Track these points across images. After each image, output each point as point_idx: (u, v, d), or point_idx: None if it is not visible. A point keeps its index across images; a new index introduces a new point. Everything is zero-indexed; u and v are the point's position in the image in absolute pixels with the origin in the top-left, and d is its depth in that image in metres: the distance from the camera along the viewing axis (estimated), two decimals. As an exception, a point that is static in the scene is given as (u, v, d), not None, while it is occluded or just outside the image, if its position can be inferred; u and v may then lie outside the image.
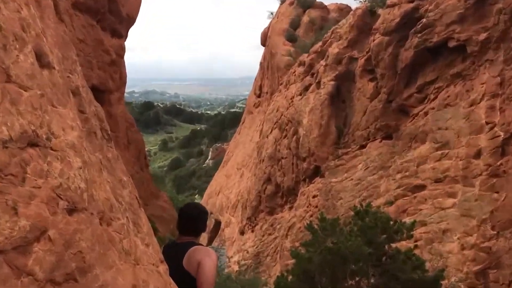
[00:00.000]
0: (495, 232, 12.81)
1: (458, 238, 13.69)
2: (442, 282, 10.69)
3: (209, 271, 4.11)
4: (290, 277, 9.94)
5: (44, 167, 1.54)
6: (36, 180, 1.49)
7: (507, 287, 11.68)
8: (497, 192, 13.30)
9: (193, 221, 4.34)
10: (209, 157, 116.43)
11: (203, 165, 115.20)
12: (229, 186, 34.72)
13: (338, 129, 21.78)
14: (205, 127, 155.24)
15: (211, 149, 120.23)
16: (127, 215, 2.15)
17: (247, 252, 24.86)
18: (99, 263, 1.69)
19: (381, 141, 19.26)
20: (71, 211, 1.60)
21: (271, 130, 27.12)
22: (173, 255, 3.79)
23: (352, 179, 19.54)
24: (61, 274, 1.52)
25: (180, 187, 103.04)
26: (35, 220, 1.45)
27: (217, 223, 33.12)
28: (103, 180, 1.94)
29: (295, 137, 23.89)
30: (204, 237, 40.23)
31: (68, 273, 1.55)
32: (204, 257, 4.16)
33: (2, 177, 1.39)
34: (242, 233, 27.99)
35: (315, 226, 10.46)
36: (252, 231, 26.75)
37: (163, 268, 2.49)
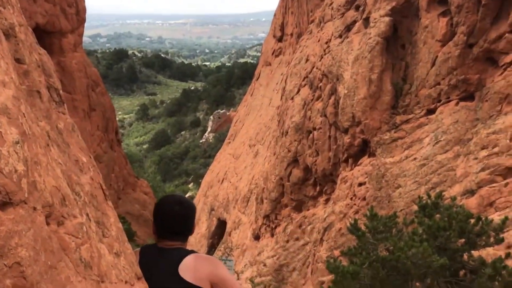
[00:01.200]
0: None
1: None
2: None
3: (236, 283, 4.30)
4: (327, 301, 9.98)
5: (-38, 141, 1.53)
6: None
7: None
8: None
9: (177, 221, 4.37)
10: (209, 129, 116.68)
11: (200, 141, 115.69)
12: (238, 170, 34.79)
13: (395, 87, 21.66)
14: (202, 85, 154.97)
15: (211, 117, 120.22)
16: (88, 211, 2.13)
17: (265, 265, 24.96)
18: (46, 280, 1.69)
19: (457, 104, 19.11)
20: (3, 205, 1.59)
21: (298, 89, 27.05)
22: (158, 263, 3.84)
23: (415, 159, 19.46)
24: (-13, 302, 1.52)
25: (168, 173, 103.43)
26: None
27: (221, 224, 33.31)
28: (52, 161, 1.92)
29: (332, 98, 23.80)
30: (200, 244, 40.23)
31: (-1, 300, 1.55)
32: (219, 268, 4.28)
33: None
34: (257, 238, 28.11)
35: (362, 227, 10.45)
36: (272, 235, 26.83)
37: (141, 287, 2.49)
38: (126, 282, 2.30)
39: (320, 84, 24.87)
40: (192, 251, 4.29)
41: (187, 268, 4.09)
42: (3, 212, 1.60)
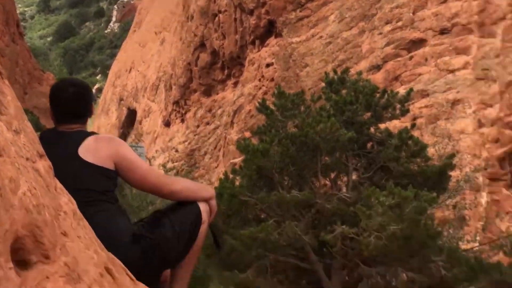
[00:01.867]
0: (525, 100, 13.18)
1: (473, 112, 14.03)
2: (452, 173, 11.02)
3: (143, 161, 4.29)
4: (238, 180, 10.07)
5: None
6: None
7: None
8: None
9: (73, 102, 4.31)
10: (114, 19, 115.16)
11: (106, 31, 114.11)
12: (145, 58, 34.48)
13: (298, -34, 21.58)
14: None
15: (115, 7, 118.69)
16: None
17: (177, 151, 25.08)
18: None
19: (361, -20, 19.21)
20: None
21: (201, -27, 26.72)
22: (58, 147, 3.80)
23: (321, 37, 19.55)
24: None
25: (74, 65, 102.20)
26: None
27: (131, 113, 33.15)
28: None
29: (236, -20, 23.62)
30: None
31: None
32: (122, 148, 4.26)
33: None
34: (167, 124, 28.12)
35: (271, 106, 10.51)
36: (182, 121, 26.87)
37: (44, 164, 2.43)
38: (27, 159, 2.24)
39: (223, -34, 24.57)
40: (93, 133, 4.25)
41: (87, 149, 4.05)
42: None
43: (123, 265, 2.83)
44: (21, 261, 1.95)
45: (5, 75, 2.92)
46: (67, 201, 2.51)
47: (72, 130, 4.20)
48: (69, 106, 4.21)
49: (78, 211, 2.54)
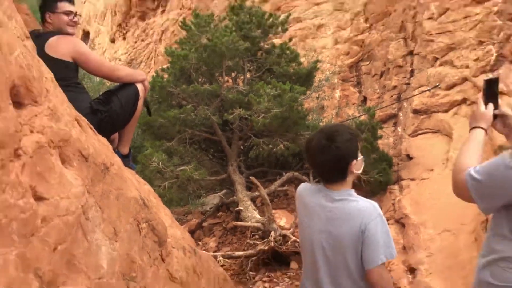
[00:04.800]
0: (368, 25, 13.32)
1: (332, 33, 14.15)
2: (316, 75, 11.20)
3: (96, 55, 4.25)
4: (166, 76, 10.01)
5: None
6: None
7: (378, 77, 12.32)
8: (370, -15, 13.68)
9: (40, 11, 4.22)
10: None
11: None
12: (95, -8, 33.18)
13: None
14: None
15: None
16: None
17: (120, 60, 24.51)
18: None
19: None
20: None
21: None
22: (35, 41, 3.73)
23: (226, -23, 19.24)
24: None
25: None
26: None
27: (86, 35, 32.05)
28: None
29: None
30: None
31: None
32: (78, 44, 4.20)
33: None
34: (113, 41, 27.37)
35: (190, 24, 10.41)
36: (124, 39, 26.20)
37: (29, 44, 2.40)
38: (18, 36, 2.20)
39: None
40: (56, 33, 4.16)
41: (51, 46, 3.98)
42: None
43: (88, 122, 2.85)
44: (17, 103, 1.96)
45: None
46: (48, 71, 2.50)
47: (45, 32, 4.14)
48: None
49: (54, 80, 2.53)
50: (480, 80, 9.56)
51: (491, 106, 2.67)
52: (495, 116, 2.67)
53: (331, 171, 2.76)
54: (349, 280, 2.74)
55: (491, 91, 2.69)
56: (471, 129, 2.68)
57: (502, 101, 2.73)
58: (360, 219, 2.68)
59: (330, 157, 2.71)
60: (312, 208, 2.73)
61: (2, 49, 1.86)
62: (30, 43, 2.49)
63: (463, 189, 2.48)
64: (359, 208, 2.72)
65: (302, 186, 2.89)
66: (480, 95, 2.76)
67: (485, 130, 2.62)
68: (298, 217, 2.81)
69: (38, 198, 1.81)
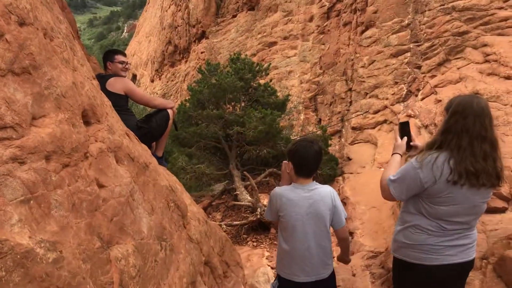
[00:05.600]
0: (322, 71, 13.37)
1: (298, 76, 14.20)
2: (288, 104, 11.23)
3: (140, 90, 4.26)
4: (187, 104, 9.99)
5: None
6: (-12, -3, 1.36)
7: (329, 106, 12.34)
8: (323, 44, 13.72)
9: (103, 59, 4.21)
10: (125, 31, 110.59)
11: (121, 37, 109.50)
12: (141, 49, 33.08)
13: (217, 4, 20.95)
14: (120, 8, 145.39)
15: (126, 25, 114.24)
16: (65, 41, 2.00)
17: (157, 94, 24.49)
18: (47, 64, 1.62)
19: (247, 12, 18.82)
20: (21, 24, 1.49)
21: (169, 6, 25.58)
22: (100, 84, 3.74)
23: (227, 40, 19.23)
24: (18, 67, 1.45)
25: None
26: (-8, 26, 1.35)
27: (134, 77, 32.01)
28: (44, 9, 1.79)
29: (186, 10, 22.76)
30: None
31: (23, 67, 1.48)
32: (128, 84, 4.18)
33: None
34: (152, 81, 27.33)
35: (204, 70, 10.39)
36: (160, 79, 26.17)
37: (95, 82, 2.39)
38: (88, 77, 2.19)
39: (180, 2, 23.65)
40: (114, 75, 4.15)
41: (110, 84, 3.96)
42: (21, 28, 1.51)
43: (134, 135, 2.83)
44: (86, 122, 1.94)
45: (77, 37, 2.80)
46: (107, 100, 2.49)
47: (107, 74, 4.12)
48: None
49: (112, 107, 2.52)
50: (396, 107, 9.62)
51: (405, 139, 2.75)
52: (410, 147, 2.75)
53: (315, 169, 2.79)
54: (327, 240, 2.77)
55: (404, 130, 2.79)
56: (392, 154, 2.74)
57: (413, 132, 2.84)
58: (329, 197, 2.73)
59: (319, 160, 2.77)
60: (296, 200, 2.73)
61: (77, 86, 1.85)
62: (95, 82, 2.48)
63: (387, 190, 2.51)
64: (326, 191, 2.76)
65: (278, 189, 2.84)
66: (397, 132, 2.85)
67: (401, 155, 2.69)
68: (280, 210, 2.77)
69: (100, 186, 1.80)
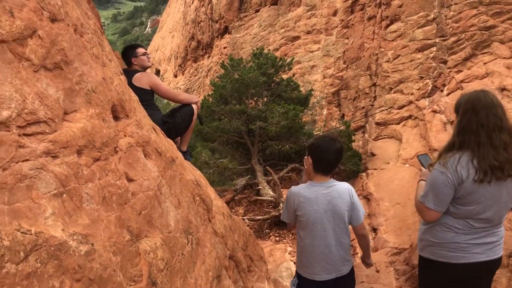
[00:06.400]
0: (345, 66, 13.24)
1: (321, 71, 14.09)
2: (311, 99, 11.16)
3: (165, 85, 4.29)
4: (210, 99, 10.03)
5: (27, -16, 1.42)
6: (23, -6, 1.39)
7: (352, 101, 12.24)
8: (347, 39, 13.57)
9: (124, 55, 4.22)
10: (148, 26, 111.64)
11: (144, 32, 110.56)
12: (164, 44, 33.32)
13: (240, -1, 21.06)
14: (143, 3, 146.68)
15: (149, 20, 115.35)
16: (94, 37, 2.02)
17: (180, 89, 24.65)
18: (77, 59, 1.64)
19: (269, 7, 18.75)
20: (53, 20, 1.51)
21: (192, 1, 25.68)
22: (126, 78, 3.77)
23: (250, 34, 19.21)
24: (50, 63, 1.47)
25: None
26: (27, 22, 1.37)
27: (157, 72, 32.29)
28: (74, 5, 1.81)
29: (209, 5, 22.82)
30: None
31: (55, 62, 1.50)
32: (153, 78, 4.22)
33: (-5, -14, 1.28)
34: (175, 76, 27.52)
35: (226, 65, 10.41)
36: (183, 74, 26.34)
37: (123, 78, 2.42)
38: (115, 73, 2.22)
39: (203, -2, 23.81)
40: (140, 71, 4.18)
41: (136, 79, 4.00)
42: (53, 24, 1.53)
43: (160, 129, 2.85)
44: (115, 117, 1.96)
45: (103, 32, 2.82)
46: (134, 95, 2.51)
47: (132, 69, 4.16)
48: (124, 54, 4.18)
49: (139, 101, 2.54)
50: (421, 102, 9.46)
51: (423, 169, 2.82)
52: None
53: (333, 167, 2.78)
54: (346, 237, 2.76)
55: (425, 160, 2.89)
56: (418, 181, 2.74)
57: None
58: (347, 194, 2.71)
59: (339, 158, 2.76)
60: (314, 198, 2.71)
61: (106, 81, 1.87)
62: (123, 77, 2.50)
63: (423, 208, 2.49)
64: (344, 187, 2.74)
65: (294, 188, 2.81)
66: (419, 163, 3.04)
67: (425, 180, 2.63)
68: (298, 209, 2.77)
69: (129, 180, 1.82)
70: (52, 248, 1.23)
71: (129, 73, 4.05)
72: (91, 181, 1.53)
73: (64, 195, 1.38)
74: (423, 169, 2.79)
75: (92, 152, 1.58)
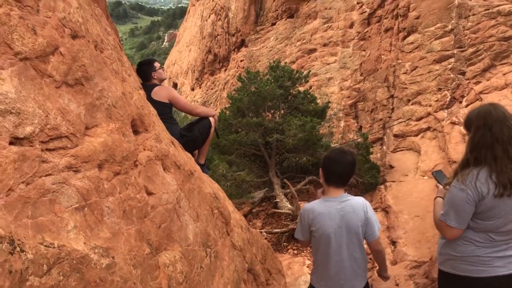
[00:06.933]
0: (362, 78, 13.19)
1: (338, 83, 14.07)
2: (328, 111, 11.12)
3: (183, 98, 4.34)
4: (227, 112, 10.07)
5: (51, 3, 1.47)
6: (46, 12, 1.43)
7: (370, 113, 12.15)
8: (364, 51, 13.55)
9: (141, 70, 4.26)
10: (165, 40, 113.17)
11: (161, 46, 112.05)
12: (181, 58, 33.70)
13: (256, 12, 21.14)
14: (161, 18, 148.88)
15: (166, 34, 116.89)
16: (113, 52, 2.06)
17: (197, 102, 24.85)
18: (98, 75, 1.67)
19: (286, 20, 18.87)
20: (74, 37, 1.55)
21: (209, 15, 26.00)
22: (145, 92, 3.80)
23: (267, 47, 19.33)
24: (72, 79, 1.50)
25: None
26: (49, 39, 1.40)
27: (175, 85, 32.62)
28: (94, 22, 1.86)
29: (226, 19, 23.07)
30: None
31: (76, 78, 1.53)
32: (172, 92, 4.28)
33: (22, 6, 1.32)
34: (192, 89, 27.77)
35: (243, 78, 10.46)
36: (200, 88, 26.57)
37: (142, 92, 2.45)
38: (135, 87, 2.24)
39: (220, 12, 23.98)
40: (158, 85, 4.23)
41: (155, 93, 4.06)
42: (74, 40, 1.56)
43: (178, 143, 2.88)
44: (135, 131, 1.99)
45: (122, 48, 2.88)
46: (153, 109, 2.53)
47: (149, 84, 4.21)
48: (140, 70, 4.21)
49: (157, 115, 2.57)
50: (440, 114, 9.35)
51: (439, 186, 2.79)
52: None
53: (345, 180, 2.76)
54: (360, 252, 2.73)
55: (440, 176, 2.89)
56: (435, 198, 2.71)
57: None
58: (362, 209, 2.68)
59: (351, 171, 2.74)
60: (328, 213, 2.70)
61: (126, 96, 1.90)
62: (142, 92, 2.53)
63: (443, 225, 2.47)
64: (359, 202, 2.72)
65: (307, 205, 2.81)
66: (434, 180, 2.98)
67: (442, 198, 2.61)
68: (312, 224, 2.76)
69: (149, 193, 1.84)
70: (75, 261, 1.24)
71: (147, 87, 4.10)
72: (111, 195, 1.55)
73: (86, 209, 1.40)
74: (439, 186, 2.77)
75: (113, 166, 1.61)
